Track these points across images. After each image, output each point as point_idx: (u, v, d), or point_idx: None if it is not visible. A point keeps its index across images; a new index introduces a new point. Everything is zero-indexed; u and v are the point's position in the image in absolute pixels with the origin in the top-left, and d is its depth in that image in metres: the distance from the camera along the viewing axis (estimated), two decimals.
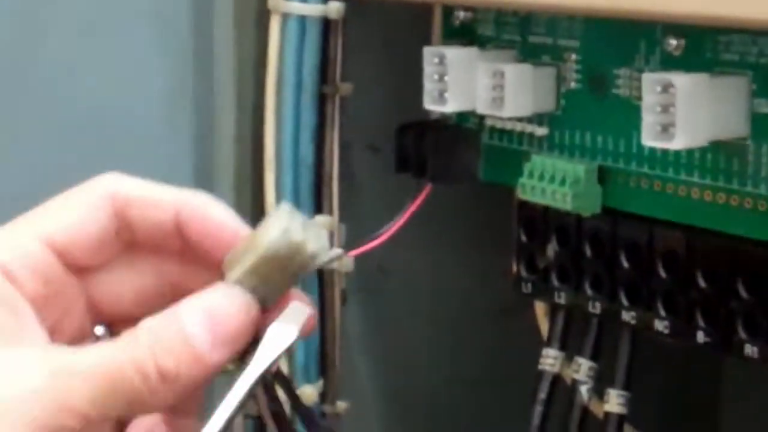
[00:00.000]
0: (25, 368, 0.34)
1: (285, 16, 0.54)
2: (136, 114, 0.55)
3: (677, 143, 0.43)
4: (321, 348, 0.57)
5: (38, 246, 0.36)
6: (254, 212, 0.56)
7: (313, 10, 0.54)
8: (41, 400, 0.33)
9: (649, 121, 0.44)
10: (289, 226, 0.35)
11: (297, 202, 0.55)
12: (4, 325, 0.34)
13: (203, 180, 0.56)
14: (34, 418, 0.33)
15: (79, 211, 0.36)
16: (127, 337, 0.34)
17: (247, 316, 0.35)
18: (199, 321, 0.34)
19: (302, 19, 0.54)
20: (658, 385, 0.63)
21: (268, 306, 0.36)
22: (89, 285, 0.37)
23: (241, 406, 0.35)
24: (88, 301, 0.37)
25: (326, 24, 0.55)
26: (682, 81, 0.43)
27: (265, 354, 0.35)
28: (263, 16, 0.55)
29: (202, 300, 0.35)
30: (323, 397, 0.56)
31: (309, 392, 0.56)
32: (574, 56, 0.50)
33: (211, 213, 0.37)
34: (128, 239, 0.37)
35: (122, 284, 0.37)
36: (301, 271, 0.36)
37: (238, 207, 0.55)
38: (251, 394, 0.35)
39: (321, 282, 0.56)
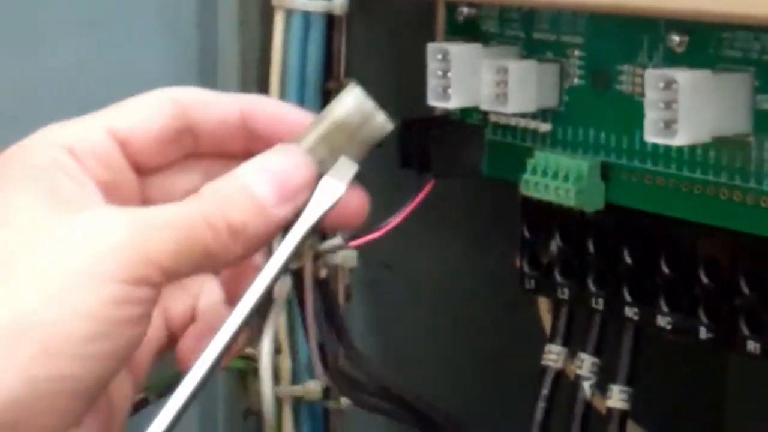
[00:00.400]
0: (106, 225, 0.34)
1: (289, 12, 0.55)
2: None
3: (680, 139, 0.43)
4: None
5: (103, 135, 0.37)
6: None
7: (317, 6, 0.55)
8: (127, 254, 0.33)
9: (651, 117, 0.44)
10: (361, 97, 0.37)
11: None
12: (73, 193, 0.35)
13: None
14: (121, 272, 0.33)
15: (143, 109, 0.38)
16: (194, 197, 0.35)
17: (308, 172, 0.36)
18: (263, 177, 0.35)
19: (306, 15, 0.55)
20: (663, 381, 0.63)
21: None
22: (146, 185, 0.38)
23: (293, 257, 0.36)
24: (143, 201, 0.38)
25: (330, 20, 0.55)
26: (684, 77, 0.43)
27: (315, 206, 0.36)
28: (267, 12, 0.55)
29: (264, 158, 0.36)
30: (327, 392, 0.57)
31: (313, 388, 0.56)
32: (577, 52, 0.50)
33: (279, 106, 0.38)
34: (188, 145, 0.38)
35: (177, 189, 0.38)
36: (369, 141, 0.37)
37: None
38: (302, 245, 0.36)
39: (325, 278, 0.56)
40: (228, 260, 0.35)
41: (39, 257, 0.33)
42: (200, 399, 0.56)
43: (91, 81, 0.55)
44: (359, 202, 0.37)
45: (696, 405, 0.66)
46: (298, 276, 0.40)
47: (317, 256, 0.38)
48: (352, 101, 0.37)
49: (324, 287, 0.54)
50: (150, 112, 0.37)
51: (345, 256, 0.56)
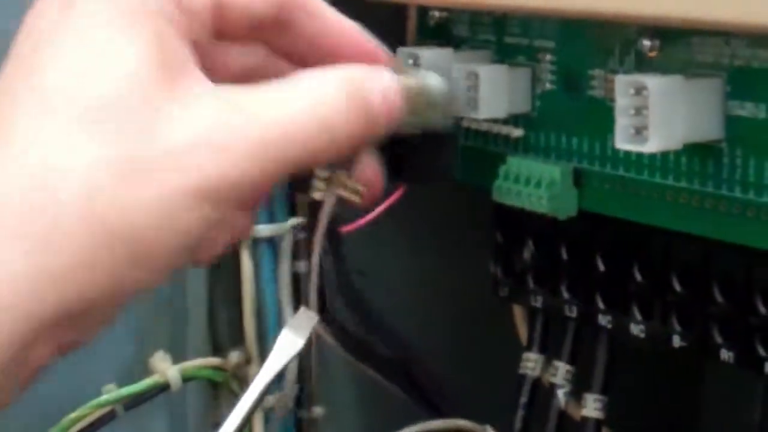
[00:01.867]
0: (223, 130, 0.34)
1: None
2: None
3: (650, 146, 0.43)
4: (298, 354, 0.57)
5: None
6: None
7: None
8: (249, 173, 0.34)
9: (622, 123, 0.44)
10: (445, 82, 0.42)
11: (271, 205, 0.56)
12: (178, 55, 0.35)
13: None
14: (230, 198, 0.34)
15: None
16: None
17: (402, 104, 0.39)
18: (379, 91, 0.37)
19: None
20: (640, 390, 0.63)
21: None
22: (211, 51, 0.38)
23: (254, 409, 0.38)
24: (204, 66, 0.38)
25: None
26: (654, 83, 0.43)
27: (273, 361, 0.38)
28: None
29: (380, 74, 0.38)
30: (299, 402, 0.57)
31: (284, 398, 0.56)
32: (549, 57, 0.50)
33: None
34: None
35: (237, 64, 0.40)
36: (443, 116, 0.42)
37: None
38: (261, 399, 0.39)
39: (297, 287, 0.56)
40: (325, 161, 0.38)
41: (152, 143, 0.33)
42: (170, 410, 0.56)
43: None
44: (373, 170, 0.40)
45: (673, 414, 0.66)
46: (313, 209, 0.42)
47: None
48: (441, 81, 0.41)
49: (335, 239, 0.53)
50: None
51: None
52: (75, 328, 0.34)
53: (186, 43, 0.36)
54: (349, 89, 0.37)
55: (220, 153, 0.34)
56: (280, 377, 0.56)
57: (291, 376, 0.56)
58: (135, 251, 0.33)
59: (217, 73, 0.37)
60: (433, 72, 0.41)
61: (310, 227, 0.48)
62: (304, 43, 0.39)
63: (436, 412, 0.56)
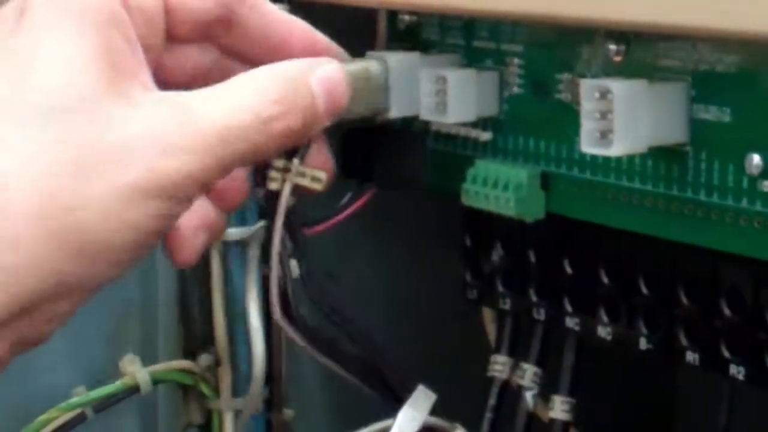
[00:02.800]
0: (164, 128, 0.36)
1: None
2: None
3: (616, 150, 0.44)
4: (268, 356, 0.57)
5: None
6: None
7: None
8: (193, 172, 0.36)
9: (587, 127, 0.44)
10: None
11: (243, 209, 0.56)
12: (127, 59, 0.36)
13: None
14: (180, 191, 0.36)
15: None
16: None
17: (347, 89, 0.41)
18: (319, 80, 0.39)
19: None
20: (613, 392, 0.63)
21: None
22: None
23: None
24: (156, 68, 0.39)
25: None
26: (619, 87, 0.43)
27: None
28: None
29: (320, 64, 0.40)
30: (269, 404, 0.57)
31: (254, 400, 0.56)
32: (517, 61, 0.50)
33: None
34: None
35: (189, 65, 0.41)
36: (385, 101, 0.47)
37: None
38: None
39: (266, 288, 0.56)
40: (271, 155, 0.39)
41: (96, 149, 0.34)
42: (141, 412, 0.57)
43: None
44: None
45: (645, 415, 0.66)
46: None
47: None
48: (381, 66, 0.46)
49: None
50: None
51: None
52: (29, 326, 0.35)
53: (134, 46, 0.36)
54: (285, 81, 0.38)
55: (164, 149, 0.35)
56: (248, 379, 0.56)
57: (259, 378, 0.56)
58: (84, 248, 0.34)
59: (172, 75, 0.39)
60: (374, 59, 0.44)
61: (269, 218, 0.48)
62: (252, 42, 0.41)
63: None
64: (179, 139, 0.35)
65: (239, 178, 0.43)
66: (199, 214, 0.42)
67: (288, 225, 0.49)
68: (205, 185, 0.37)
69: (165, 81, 0.39)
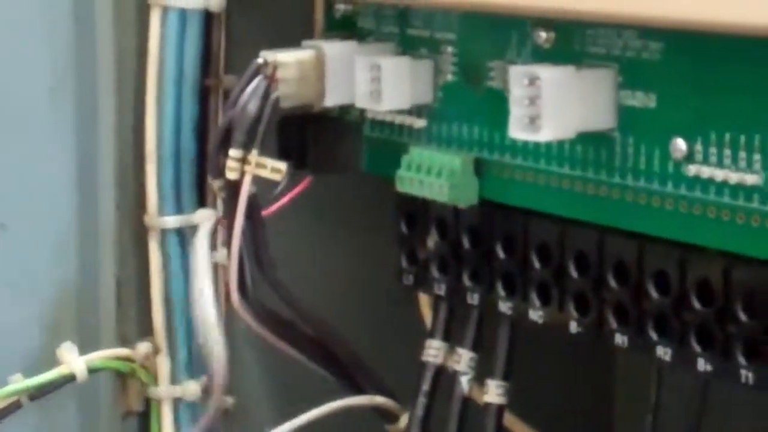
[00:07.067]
0: None
1: (165, 9, 0.55)
2: (18, 105, 0.55)
3: (544, 135, 0.44)
4: None
5: None
6: (136, 204, 0.56)
7: (194, 2, 0.55)
8: None
9: (516, 113, 0.45)
10: None
11: (179, 195, 0.56)
12: None
13: (86, 171, 0.56)
14: None
15: None
16: None
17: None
18: None
19: (183, 12, 0.55)
20: (551, 375, 0.64)
21: None
22: None
23: None
24: None
25: (208, 16, 0.56)
26: (548, 73, 0.44)
27: None
28: (144, 9, 0.56)
29: None
30: (207, 392, 0.57)
31: (192, 388, 0.57)
32: (450, 49, 0.51)
33: None
34: None
35: None
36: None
37: (121, 198, 0.56)
38: None
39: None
40: None
41: None
42: (79, 400, 0.57)
43: None
44: None
45: (585, 398, 0.67)
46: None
47: None
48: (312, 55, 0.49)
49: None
50: None
51: None
52: None
53: None
54: None
55: None
56: (190, 366, 0.57)
57: (199, 365, 0.56)
58: None
59: None
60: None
61: (230, 207, 0.50)
62: None
63: (357, 390, 0.57)
64: None
65: None
66: None
67: (249, 213, 0.51)
68: None
69: None
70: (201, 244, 0.54)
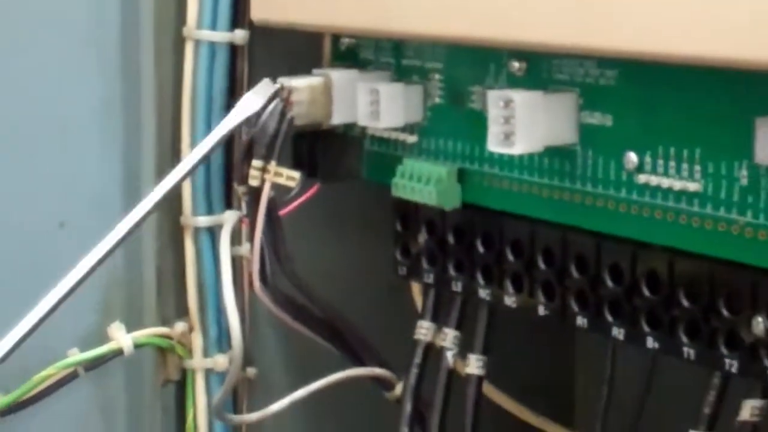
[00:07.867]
0: None
1: (197, 43, 0.54)
2: (75, 122, 0.55)
3: (517, 149, 0.44)
4: None
5: None
6: (172, 206, 0.56)
7: (221, 37, 0.54)
8: None
9: (494, 130, 0.44)
10: None
11: (209, 199, 0.56)
12: None
13: (131, 177, 0.56)
14: None
15: None
16: None
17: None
18: None
19: (212, 45, 0.54)
20: (522, 350, 0.63)
21: None
22: None
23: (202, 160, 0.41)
24: None
25: (233, 49, 0.55)
26: (520, 97, 0.44)
27: (231, 116, 0.41)
28: (179, 43, 0.55)
29: None
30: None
31: (221, 360, 0.56)
32: (437, 76, 0.50)
33: None
34: None
35: None
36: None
37: (161, 201, 0.55)
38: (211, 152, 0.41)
39: (234, 268, 0.56)
40: None
41: None
42: (126, 370, 0.56)
43: (17, 105, 0.53)
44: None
45: (551, 370, 0.67)
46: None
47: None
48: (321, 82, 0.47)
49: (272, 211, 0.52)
50: None
51: None
52: None
53: None
54: None
55: None
56: (219, 342, 0.56)
57: (237, 337, 0.55)
58: None
59: None
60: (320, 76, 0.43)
61: (252, 209, 0.49)
62: None
63: (359, 363, 0.56)
64: None
65: None
66: None
67: (268, 214, 0.50)
68: None
69: None
70: (224, 240, 0.54)
